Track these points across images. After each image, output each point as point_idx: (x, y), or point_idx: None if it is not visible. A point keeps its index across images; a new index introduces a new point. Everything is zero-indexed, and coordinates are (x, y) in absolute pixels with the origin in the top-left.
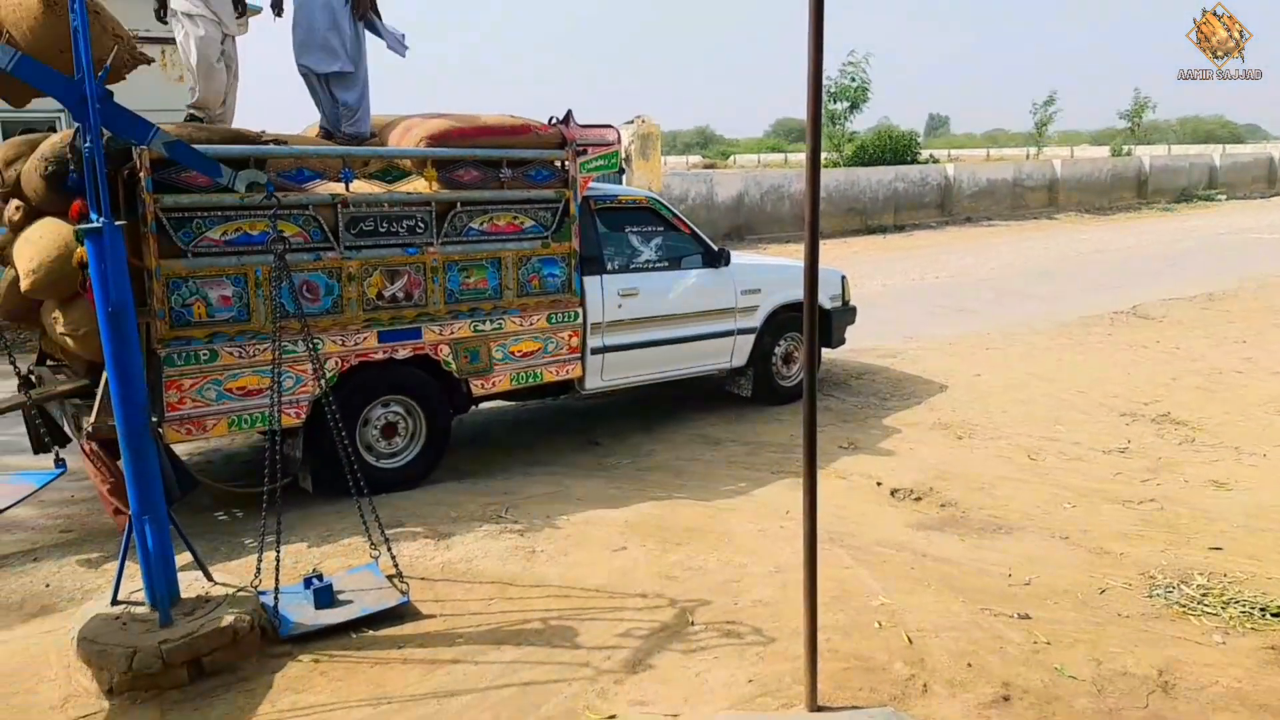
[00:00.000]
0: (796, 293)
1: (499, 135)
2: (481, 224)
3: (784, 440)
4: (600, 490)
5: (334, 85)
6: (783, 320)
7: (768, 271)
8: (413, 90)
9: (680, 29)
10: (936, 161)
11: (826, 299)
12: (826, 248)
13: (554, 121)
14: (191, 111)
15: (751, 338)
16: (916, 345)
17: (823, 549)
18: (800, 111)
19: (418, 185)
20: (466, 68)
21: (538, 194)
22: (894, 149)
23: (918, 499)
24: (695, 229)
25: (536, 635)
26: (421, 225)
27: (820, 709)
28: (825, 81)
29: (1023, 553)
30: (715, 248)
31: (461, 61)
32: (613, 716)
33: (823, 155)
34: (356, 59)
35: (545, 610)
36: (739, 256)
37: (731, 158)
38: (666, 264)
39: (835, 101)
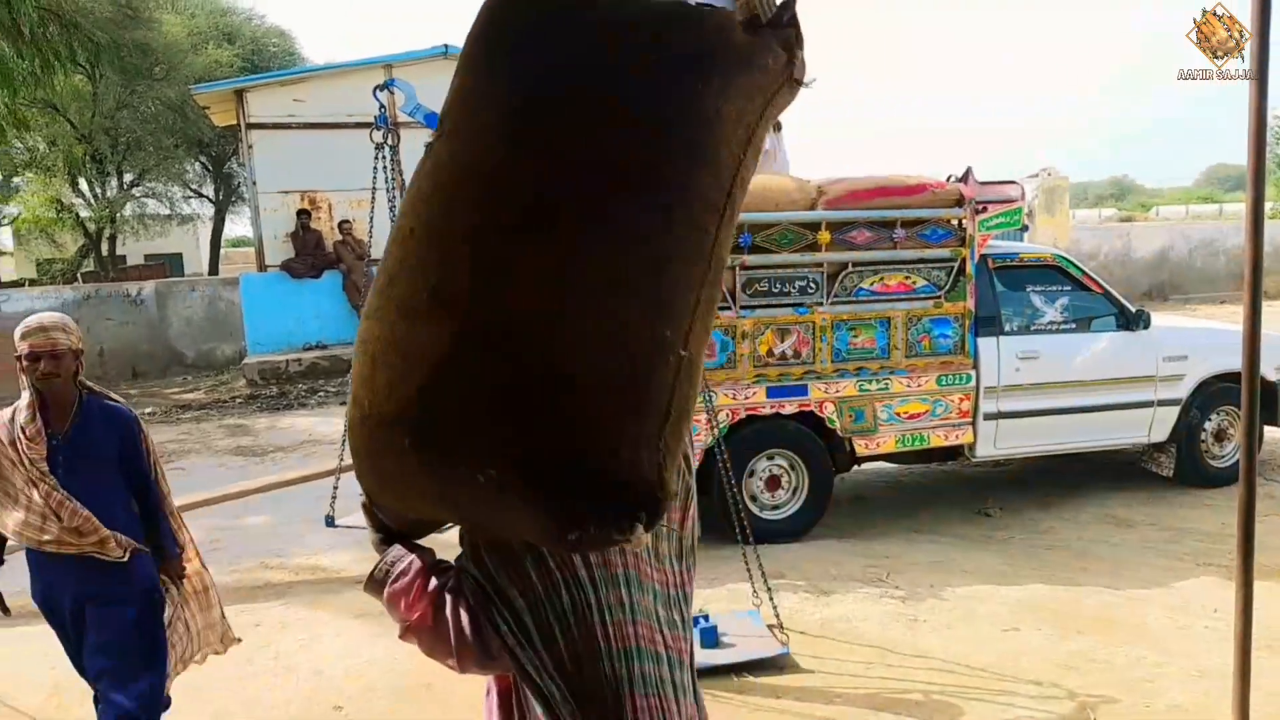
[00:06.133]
0: (1232, 361)
1: (895, 195)
2: (872, 284)
3: (1212, 528)
4: (990, 564)
5: None
6: (1215, 392)
7: (1196, 336)
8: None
9: (1095, 75)
10: None
11: (1271, 369)
12: (1274, 310)
13: (952, 179)
14: None
15: (1175, 410)
16: None
17: (1260, 656)
18: (1239, 157)
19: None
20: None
21: (932, 253)
22: None
23: None
24: (1108, 288)
25: (916, 708)
26: (813, 286)
27: None
28: (1276, 119)
29: None
30: (1131, 308)
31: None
32: None
33: (1270, 204)
34: None
35: (927, 683)
36: (1160, 318)
37: (1154, 209)
38: (1073, 326)
39: None
